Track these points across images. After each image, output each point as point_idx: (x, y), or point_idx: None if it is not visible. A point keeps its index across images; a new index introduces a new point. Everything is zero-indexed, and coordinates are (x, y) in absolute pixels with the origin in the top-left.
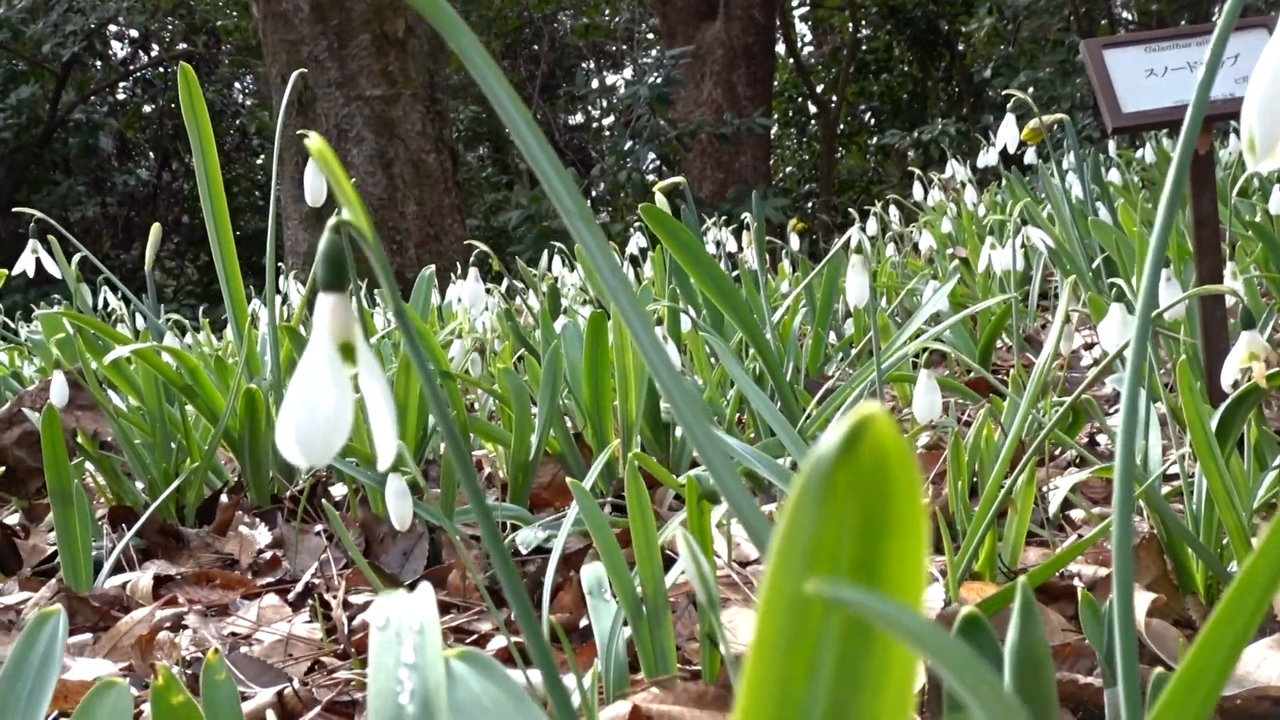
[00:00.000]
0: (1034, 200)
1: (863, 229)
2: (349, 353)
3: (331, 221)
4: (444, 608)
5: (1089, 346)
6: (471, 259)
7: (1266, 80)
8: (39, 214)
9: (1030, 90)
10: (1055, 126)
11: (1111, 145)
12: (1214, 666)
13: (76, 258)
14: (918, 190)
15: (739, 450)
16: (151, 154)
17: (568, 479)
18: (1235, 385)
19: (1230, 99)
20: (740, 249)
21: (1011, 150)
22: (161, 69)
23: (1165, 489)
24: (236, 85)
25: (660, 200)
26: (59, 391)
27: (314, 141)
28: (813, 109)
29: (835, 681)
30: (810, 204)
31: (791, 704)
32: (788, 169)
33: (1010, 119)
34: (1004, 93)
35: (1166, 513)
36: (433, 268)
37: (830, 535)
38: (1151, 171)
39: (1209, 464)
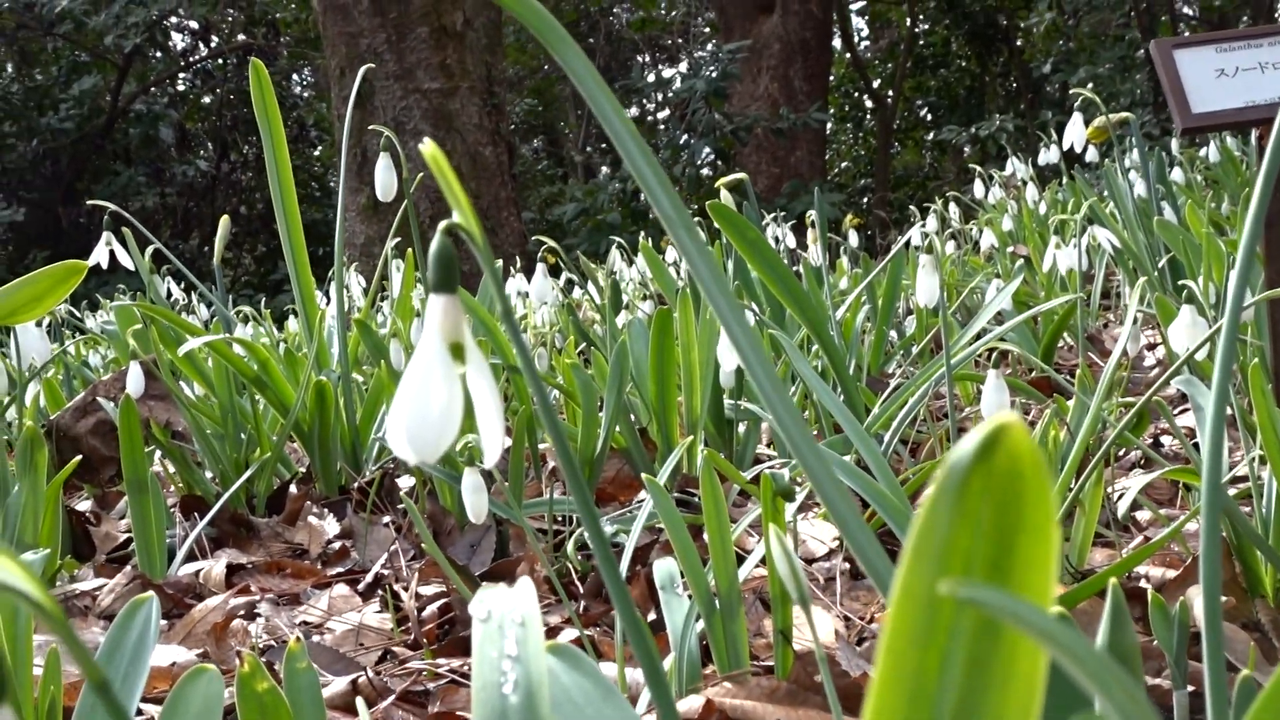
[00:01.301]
0: (1098, 199)
1: (924, 226)
2: (459, 352)
3: (444, 224)
4: None
5: (1152, 347)
6: (540, 254)
7: None
8: (112, 206)
9: (1089, 86)
10: (1118, 124)
11: (1174, 144)
12: None
13: (150, 250)
14: (978, 187)
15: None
16: (210, 145)
17: (642, 474)
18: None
19: None
20: (801, 245)
21: (1078, 149)
22: (221, 60)
23: (1233, 491)
24: (295, 77)
25: (724, 196)
26: (135, 382)
27: (427, 147)
28: (869, 104)
29: (965, 677)
30: (866, 199)
31: (923, 698)
32: (843, 164)
33: (1077, 117)
34: (1071, 90)
35: (1236, 515)
36: (499, 263)
37: (963, 537)
38: (1215, 170)
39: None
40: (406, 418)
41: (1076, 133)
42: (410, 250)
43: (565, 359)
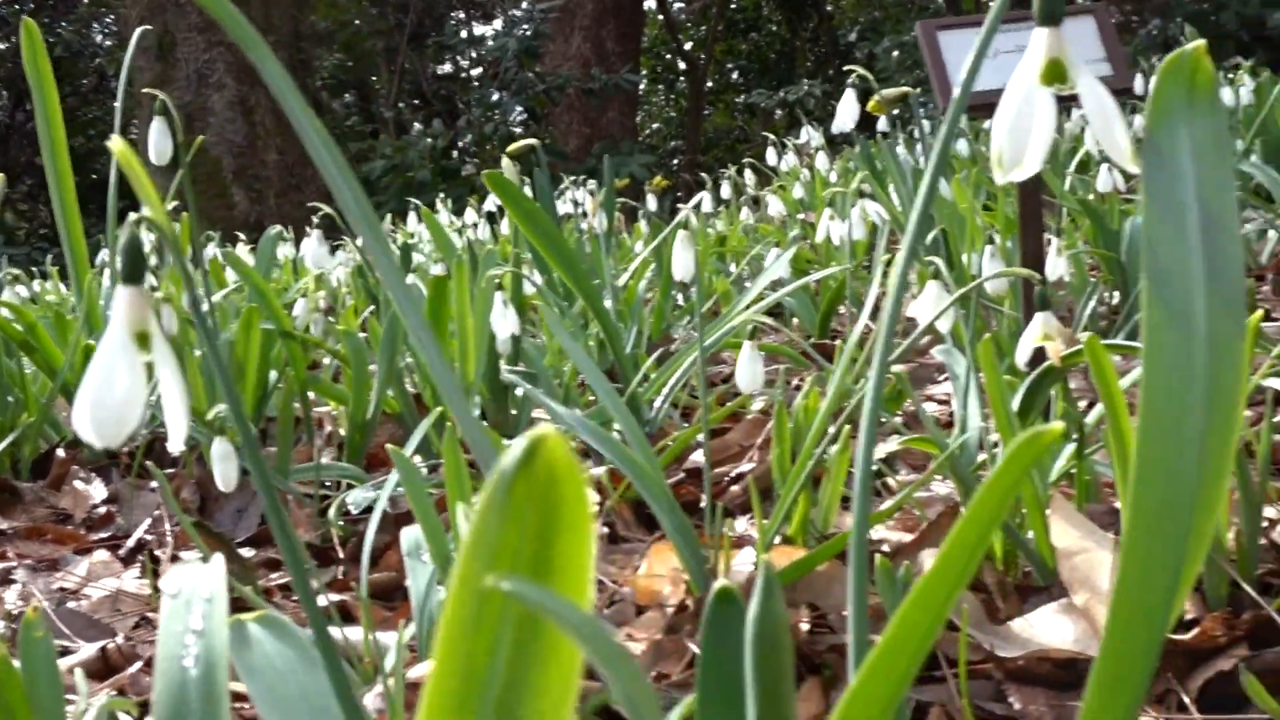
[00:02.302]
0: (881, 170)
1: (717, 192)
2: (144, 341)
3: (132, 217)
4: (274, 565)
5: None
6: (316, 219)
7: (1015, 103)
8: None
9: (895, 54)
10: (898, 98)
11: (963, 116)
12: (917, 633)
13: None
14: (771, 154)
15: (565, 416)
16: (5, 93)
17: (388, 445)
18: (1033, 363)
19: None
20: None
21: (850, 125)
22: (16, 6)
23: (982, 457)
24: (96, 25)
25: (506, 164)
26: None
27: (115, 144)
28: (681, 66)
29: (512, 658)
30: (676, 161)
31: (475, 675)
32: (655, 126)
33: (850, 94)
34: (846, 67)
35: (968, 482)
36: (278, 229)
37: (511, 536)
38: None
39: (1008, 438)
40: (90, 403)
41: (850, 109)
42: (186, 214)
43: (341, 324)
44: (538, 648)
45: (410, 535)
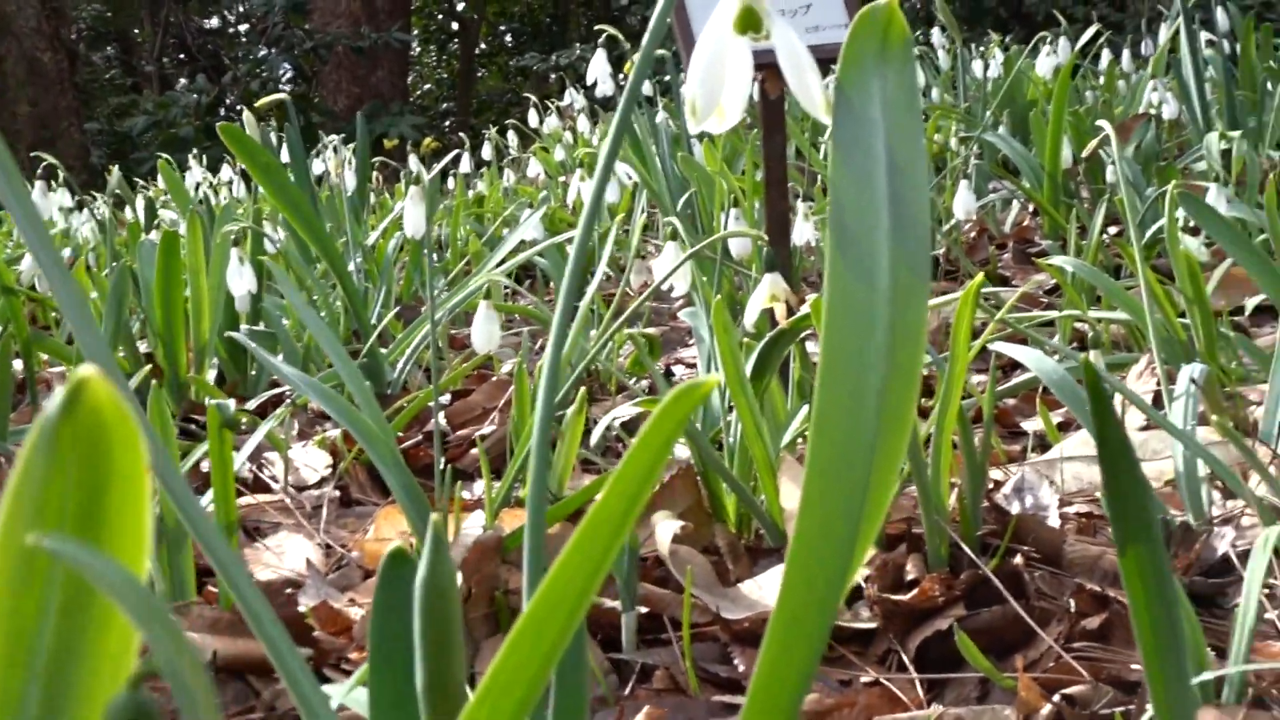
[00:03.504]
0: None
1: (476, 154)
2: None
3: None
4: None
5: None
6: (39, 171)
7: (708, 52)
8: None
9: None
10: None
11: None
12: (565, 602)
13: None
14: (532, 116)
15: (292, 377)
16: None
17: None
18: (768, 326)
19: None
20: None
21: (605, 86)
22: None
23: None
24: None
25: (249, 119)
26: None
27: None
28: (454, 27)
29: (63, 619)
30: (448, 123)
31: (23, 637)
32: (426, 87)
33: (600, 54)
34: (596, 27)
35: (703, 445)
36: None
37: (56, 488)
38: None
39: (740, 400)
40: None
41: (601, 69)
42: None
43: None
44: (93, 610)
45: None
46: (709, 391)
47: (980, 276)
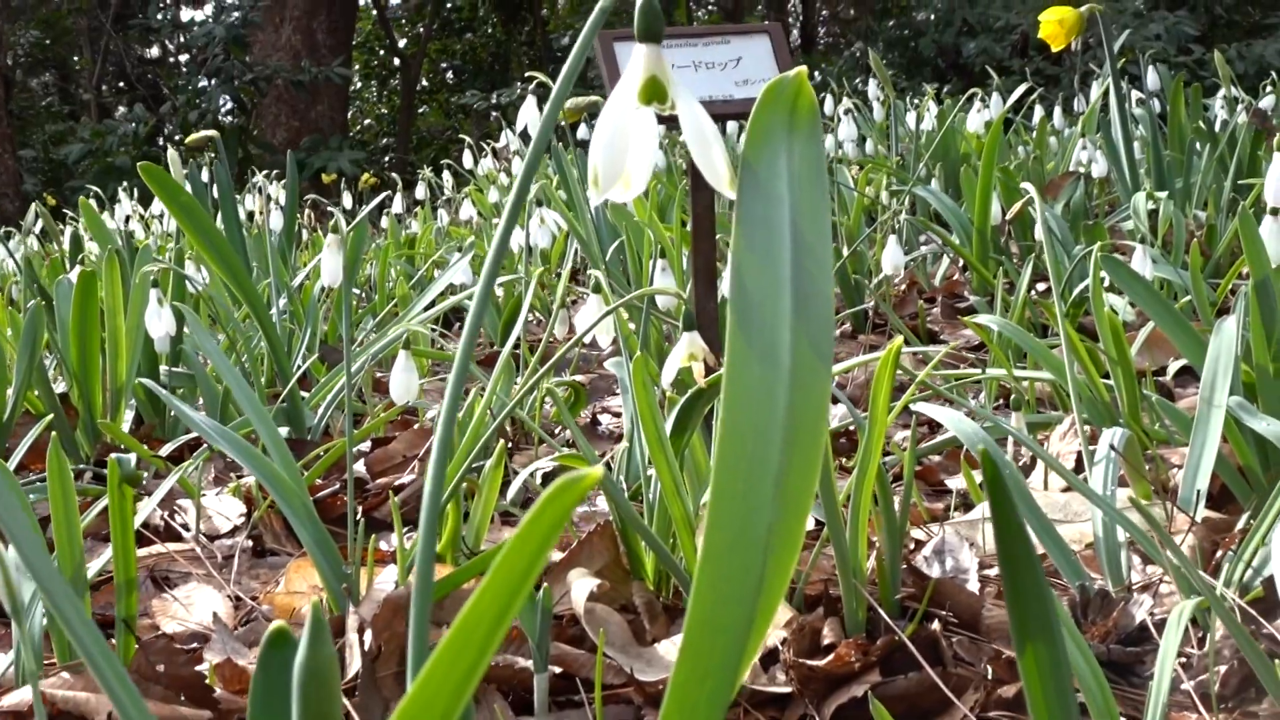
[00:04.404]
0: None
1: (409, 194)
2: None
3: None
4: None
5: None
6: None
7: (612, 122)
8: None
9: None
10: (587, 106)
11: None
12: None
13: None
14: (467, 157)
15: (203, 425)
16: None
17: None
18: (680, 384)
19: (728, 100)
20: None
21: (532, 133)
22: None
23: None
24: None
25: (172, 155)
26: None
27: None
28: (395, 63)
29: None
30: (388, 159)
31: None
32: (366, 121)
33: (530, 100)
34: (526, 74)
35: (621, 501)
36: None
37: None
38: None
39: (658, 457)
40: None
41: (530, 115)
42: None
43: None
44: None
45: (11, 554)
46: (590, 487)
47: (899, 341)
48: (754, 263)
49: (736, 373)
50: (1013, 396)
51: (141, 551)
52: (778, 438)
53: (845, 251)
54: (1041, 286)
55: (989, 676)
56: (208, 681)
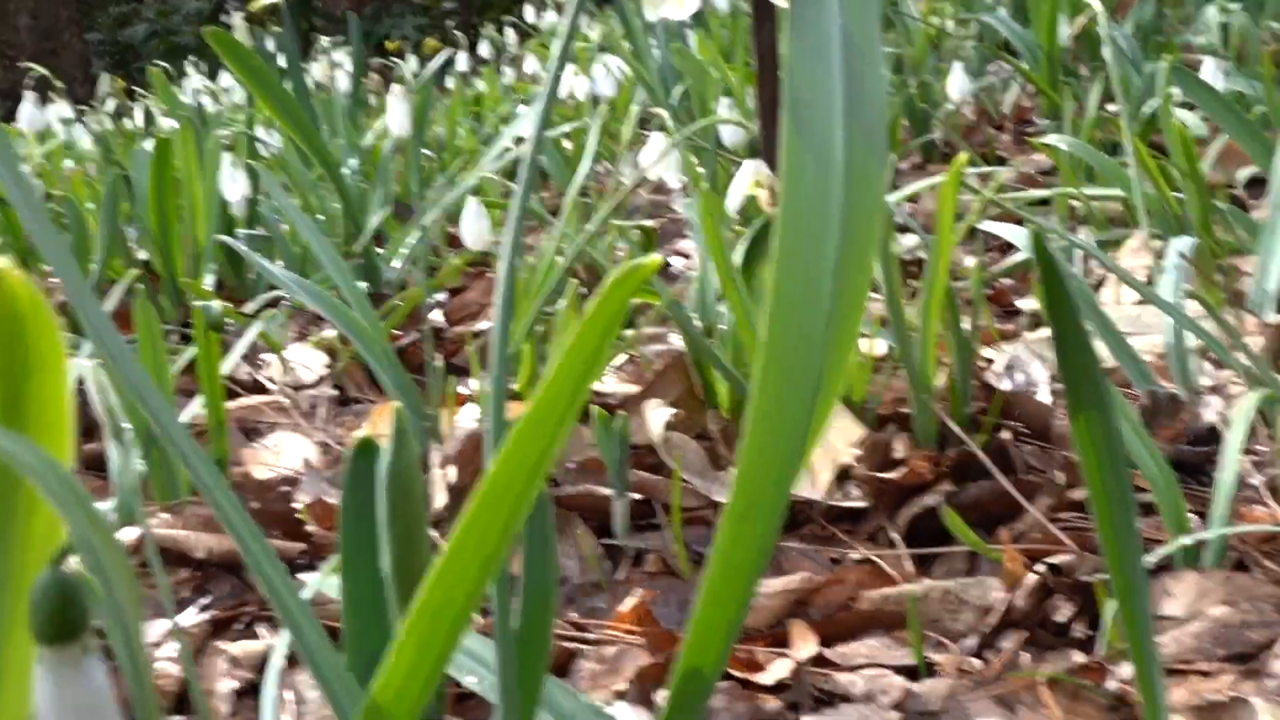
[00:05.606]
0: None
1: (473, 52)
2: None
3: None
4: None
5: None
6: (28, 81)
7: None
8: None
9: None
10: None
11: None
12: (513, 488)
13: None
14: (529, 12)
15: (284, 279)
16: None
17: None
18: (744, 211)
19: None
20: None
21: None
22: None
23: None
24: None
25: (239, 23)
26: None
27: None
28: None
29: None
30: (451, 22)
31: None
32: None
33: None
34: None
35: (693, 332)
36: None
37: None
38: None
39: (729, 289)
40: None
41: None
42: None
43: (67, 192)
44: (19, 496)
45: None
46: (651, 273)
47: (963, 156)
48: (806, 64)
49: (792, 169)
50: (1084, 214)
51: (229, 405)
52: (834, 232)
53: (912, 82)
54: (1112, 107)
55: (1059, 482)
56: (300, 518)
